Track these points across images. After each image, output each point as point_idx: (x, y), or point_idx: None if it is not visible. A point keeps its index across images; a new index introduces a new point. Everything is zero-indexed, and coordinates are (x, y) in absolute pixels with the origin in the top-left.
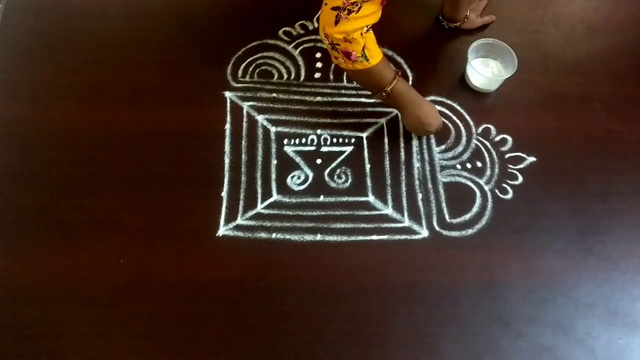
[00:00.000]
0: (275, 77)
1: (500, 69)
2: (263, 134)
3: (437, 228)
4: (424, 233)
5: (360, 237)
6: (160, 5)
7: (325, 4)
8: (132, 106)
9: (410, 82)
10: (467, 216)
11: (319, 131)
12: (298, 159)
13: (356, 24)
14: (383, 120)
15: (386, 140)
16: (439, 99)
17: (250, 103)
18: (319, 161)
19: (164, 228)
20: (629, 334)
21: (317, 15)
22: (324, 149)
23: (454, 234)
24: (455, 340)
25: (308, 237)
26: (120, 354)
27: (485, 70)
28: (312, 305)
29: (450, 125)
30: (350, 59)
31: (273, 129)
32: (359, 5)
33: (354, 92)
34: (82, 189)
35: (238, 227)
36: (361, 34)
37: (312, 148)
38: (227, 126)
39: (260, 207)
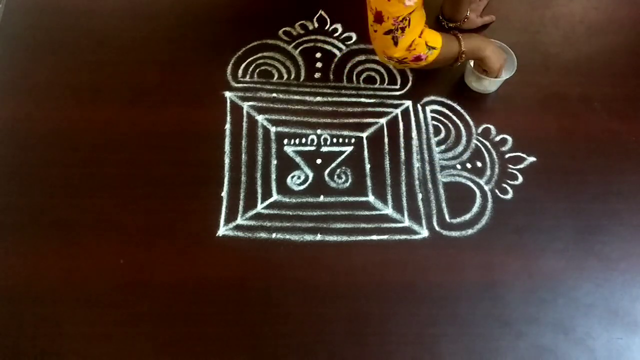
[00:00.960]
0: (275, 77)
1: None
2: (263, 134)
3: (437, 228)
4: (424, 233)
5: (360, 237)
6: (160, 5)
7: (375, 31)
8: (132, 106)
9: (410, 83)
10: (467, 216)
11: (319, 131)
12: (298, 159)
13: (412, 36)
14: (383, 120)
15: (386, 140)
16: (439, 99)
17: (250, 103)
18: (319, 161)
19: (164, 228)
20: (629, 334)
21: (316, 16)
22: (324, 149)
23: (454, 234)
24: (455, 340)
25: (308, 237)
26: (120, 354)
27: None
28: (312, 305)
29: (450, 125)
30: (421, 60)
31: (273, 129)
32: (408, 19)
33: (354, 92)
34: (82, 189)
35: (238, 227)
36: (420, 35)
37: (312, 148)
38: (227, 126)
39: (260, 207)
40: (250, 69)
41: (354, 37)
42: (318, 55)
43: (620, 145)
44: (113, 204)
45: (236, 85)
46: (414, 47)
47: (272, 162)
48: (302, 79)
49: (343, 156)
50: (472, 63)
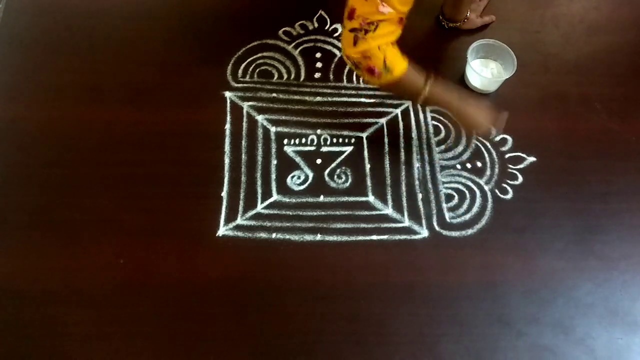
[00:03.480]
0: (275, 77)
1: (500, 70)
2: (263, 134)
3: (437, 228)
4: (424, 233)
5: (360, 237)
6: (160, 5)
7: (344, 27)
8: (132, 106)
9: None
10: (467, 216)
11: (319, 131)
12: (298, 159)
13: (373, 43)
14: (383, 120)
15: (386, 140)
16: None
17: (250, 103)
18: (319, 161)
19: (164, 228)
20: (629, 334)
21: (316, 16)
22: (324, 149)
23: (454, 234)
24: (455, 340)
25: (308, 237)
26: (120, 354)
27: (484, 72)
28: (312, 305)
29: (450, 125)
30: (374, 75)
31: (273, 129)
32: (375, 24)
33: (354, 92)
34: (82, 189)
35: (238, 227)
36: (378, 47)
37: (312, 148)
38: (227, 126)
39: (260, 207)
40: (250, 69)
41: None
42: (318, 55)
43: (620, 145)
44: (113, 204)
45: (236, 85)
46: (369, 55)
47: (272, 162)
48: (302, 79)
49: (343, 156)
50: (471, 63)
